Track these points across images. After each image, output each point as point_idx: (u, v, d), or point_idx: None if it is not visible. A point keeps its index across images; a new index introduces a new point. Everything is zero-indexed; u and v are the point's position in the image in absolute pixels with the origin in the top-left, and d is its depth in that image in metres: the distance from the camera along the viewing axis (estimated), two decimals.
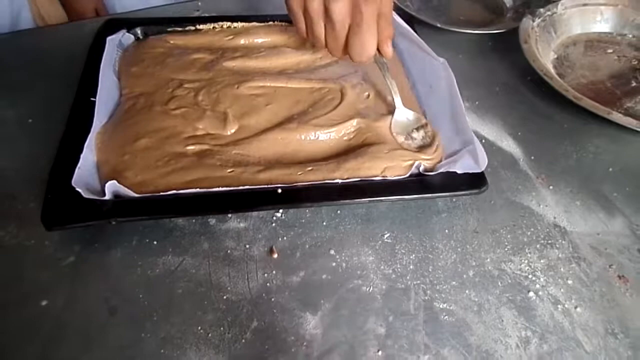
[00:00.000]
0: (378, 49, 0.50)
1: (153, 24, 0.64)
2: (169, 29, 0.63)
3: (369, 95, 0.57)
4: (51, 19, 0.79)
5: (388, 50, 0.50)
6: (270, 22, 0.66)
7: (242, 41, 0.63)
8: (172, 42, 0.62)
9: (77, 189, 0.42)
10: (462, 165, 0.48)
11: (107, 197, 0.43)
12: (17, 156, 0.51)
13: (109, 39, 0.58)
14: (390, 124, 0.52)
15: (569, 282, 0.45)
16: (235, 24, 0.65)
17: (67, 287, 0.42)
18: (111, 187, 0.43)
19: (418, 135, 0.52)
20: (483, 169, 0.47)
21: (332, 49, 0.49)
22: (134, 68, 0.58)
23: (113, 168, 0.47)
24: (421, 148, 0.51)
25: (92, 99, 0.51)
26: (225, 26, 0.65)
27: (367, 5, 0.44)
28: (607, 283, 0.45)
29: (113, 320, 0.40)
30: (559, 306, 0.43)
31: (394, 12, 0.65)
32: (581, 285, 0.45)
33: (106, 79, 0.54)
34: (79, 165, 0.44)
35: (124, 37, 0.61)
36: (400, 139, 0.52)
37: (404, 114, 0.53)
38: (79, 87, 0.54)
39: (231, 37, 0.63)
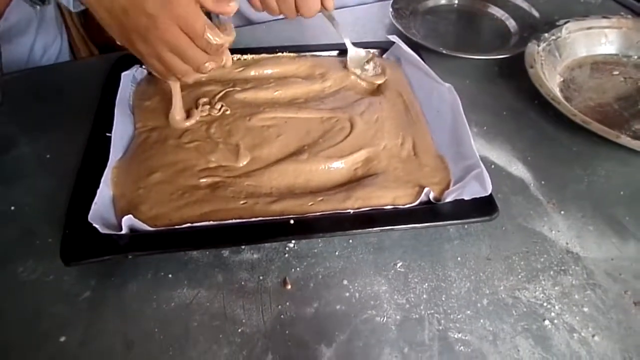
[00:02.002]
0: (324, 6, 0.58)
1: None
2: None
3: (377, 119, 0.58)
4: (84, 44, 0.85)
5: (330, 3, 0.58)
6: (279, 53, 0.67)
7: (252, 72, 0.65)
8: None
9: (94, 225, 0.43)
10: (470, 191, 0.48)
11: (123, 232, 0.44)
12: (35, 192, 0.52)
13: (123, 74, 0.60)
14: (347, 62, 0.65)
15: (585, 309, 0.44)
16: (245, 56, 0.67)
17: (85, 322, 0.42)
18: (127, 221, 0.44)
19: (369, 67, 0.64)
20: (489, 192, 0.48)
21: (285, 12, 0.58)
22: (147, 102, 0.59)
23: (128, 202, 0.48)
24: (375, 77, 0.63)
25: (107, 134, 0.53)
26: (235, 58, 0.66)
27: None
28: (624, 310, 0.45)
29: (130, 355, 0.40)
30: (575, 335, 0.43)
31: (399, 40, 0.67)
32: (597, 313, 0.44)
33: (121, 114, 0.55)
34: (95, 200, 0.45)
35: (137, 72, 0.63)
36: (357, 72, 0.64)
37: (355, 51, 0.65)
38: (94, 122, 0.56)
39: (241, 68, 0.65)
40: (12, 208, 0.51)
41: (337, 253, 0.48)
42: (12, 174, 0.54)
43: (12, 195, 0.52)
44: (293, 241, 0.48)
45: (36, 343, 0.41)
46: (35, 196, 0.52)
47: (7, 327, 0.42)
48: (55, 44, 0.81)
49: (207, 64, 0.48)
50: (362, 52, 0.65)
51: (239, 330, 0.42)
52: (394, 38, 0.67)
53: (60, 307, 0.43)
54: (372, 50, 0.67)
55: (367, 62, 0.64)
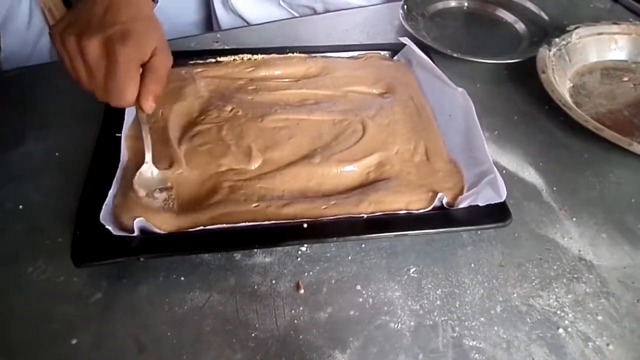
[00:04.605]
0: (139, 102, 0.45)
1: (175, 57, 0.65)
2: (191, 62, 0.64)
3: (389, 123, 0.58)
4: None
5: (146, 105, 0.45)
6: (289, 54, 0.67)
7: (263, 73, 0.64)
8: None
9: (107, 227, 0.42)
10: (484, 197, 0.48)
11: (135, 234, 0.44)
12: (44, 190, 0.51)
13: None
14: (136, 176, 0.48)
15: (599, 318, 0.44)
16: (255, 56, 0.66)
17: (96, 324, 0.42)
18: (139, 223, 0.44)
19: (161, 196, 0.48)
20: (504, 198, 0.47)
21: (92, 89, 0.45)
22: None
23: None
24: (164, 209, 0.47)
25: (117, 134, 0.52)
26: (245, 58, 0.66)
27: (123, 48, 0.41)
28: (637, 319, 0.45)
29: (142, 359, 0.40)
30: (589, 343, 0.42)
31: (411, 42, 0.66)
32: (611, 321, 0.44)
33: (131, 113, 0.55)
34: (106, 201, 0.45)
35: None
36: (142, 193, 0.47)
37: (150, 171, 0.49)
38: (103, 121, 0.55)
39: (252, 69, 0.64)
40: (21, 207, 0.50)
41: (350, 257, 0.48)
42: (20, 172, 0.53)
43: (21, 193, 0.51)
44: (306, 245, 0.48)
45: (46, 345, 0.40)
46: (44, 194, 0.51)
47: (17, 328, 0.42)
48: (27, 51, 0.78)
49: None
50: (157, 174, 0.49)
51: (252, 334, 0.42)
52: (405, 40, 0.67)
53: (71, 309, 0.43)
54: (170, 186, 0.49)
55: (161, 190, 0.48)
